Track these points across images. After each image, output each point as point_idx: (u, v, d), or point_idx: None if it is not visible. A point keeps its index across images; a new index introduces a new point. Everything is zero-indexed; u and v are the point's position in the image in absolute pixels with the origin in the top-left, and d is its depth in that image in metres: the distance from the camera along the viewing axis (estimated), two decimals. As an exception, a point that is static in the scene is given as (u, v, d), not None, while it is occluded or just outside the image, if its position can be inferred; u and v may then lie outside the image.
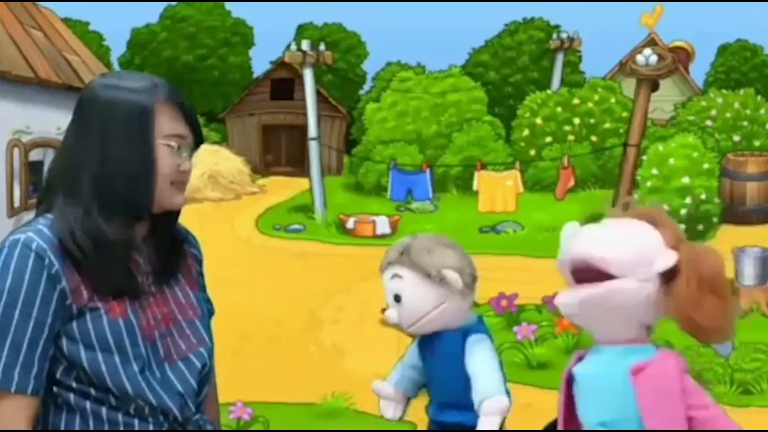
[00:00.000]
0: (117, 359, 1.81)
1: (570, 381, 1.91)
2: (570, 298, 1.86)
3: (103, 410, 1.84)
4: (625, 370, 1.80)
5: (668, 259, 1.83)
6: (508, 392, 2.08)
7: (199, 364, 1.94)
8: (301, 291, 10.25)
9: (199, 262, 2.12)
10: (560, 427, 1.94)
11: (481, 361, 2.01)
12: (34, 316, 1.78)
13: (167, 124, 1.89)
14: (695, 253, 1.84)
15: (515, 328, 8.00)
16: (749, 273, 9.14)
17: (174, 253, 2.00)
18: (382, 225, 13.94)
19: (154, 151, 1.87)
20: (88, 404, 1.83)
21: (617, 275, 1.81)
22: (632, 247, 1.83)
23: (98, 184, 1.85)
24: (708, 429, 1.79)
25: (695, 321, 1.81)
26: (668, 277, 1.83)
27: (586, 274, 1.84)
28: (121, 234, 1.84)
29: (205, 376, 1.97)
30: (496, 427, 1.94)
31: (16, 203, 10.18)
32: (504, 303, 8.62)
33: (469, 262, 2.10)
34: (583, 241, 1.85)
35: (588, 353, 1.92)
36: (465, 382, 2.01)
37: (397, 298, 2.08)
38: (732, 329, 1.85)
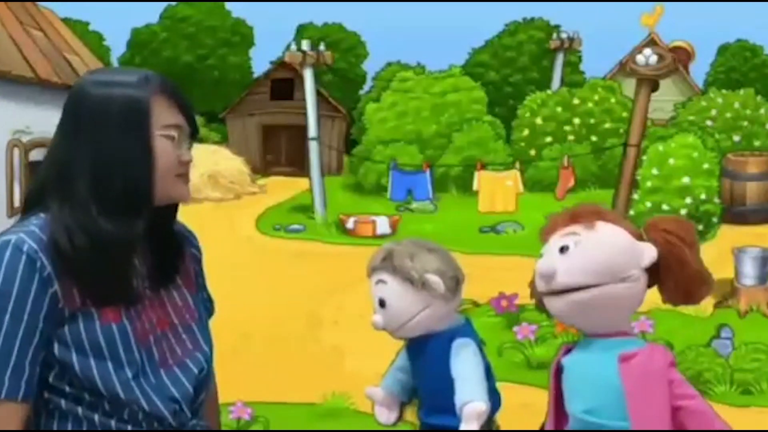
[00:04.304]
0: (109, 365, 1.77)
1: (558, 373, 1.93)
2: (559, 302, 1.87)
3: (96, 416, 1.80)
4: (613, 359, 1.82)
5: (650, 253, 1.86)
6: (497, 393, 2.08)
7: (195, 369, 1.90)
8: (301, 291, 10.25)
9: (198, 261, 2.07)
10: (549, 419, 1.95)
11: (463, 366, 2.01)
12: (26, 320, 1.73)
13: (163, 115, 1.84)
14: (669, 227, 1.89)
15: (515, 328, 8.00)
16: (749, 273, 9.13)
17: (172, 256, 1.95)
18: (382, 225, 13.94)
19: (152, 143, 1.82)
20: (80, 410, 1.80)
21: (603, 284, 1.84)
22: (610, 257, 1.85)
23: (95, 182, 1.79)
24: (697, 417, 1.82)
25: (706, 285, 1.88)
26: (651, 268, 1.87)
27: None
28: (123, 233, 1.79)
29: (203, 381, 1.93)
30: None
31: (16, 203, 10.20)
32: (504, 303, 8.62)
33: (453, 266, 2.09)
34: (559, 275, 1.85)
35: (576, 345, 1.94)
36: (451, 385, 2.00)
37: (382, 303, 2.08)
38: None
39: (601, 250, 1.84)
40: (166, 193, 1.86)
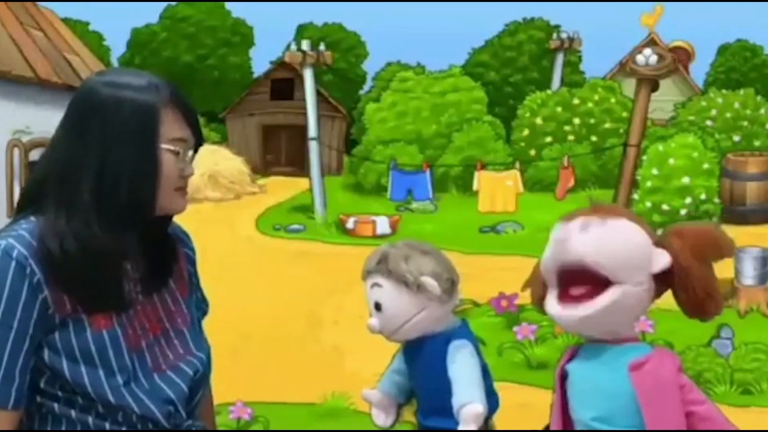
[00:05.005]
0: (100, 371, 1.74)
1: (563, 377, 1.92)
2: (569, 315, 1.85)
3: (90, 419, 1.78)
4: (623, 367, 1.81)
5: (662, 260, 1.84)
6: (495, 394, 2.08)
7: (190, 371, 1.87)
8: (301, 291, 10.25)
9: (192, 261, 2.04)
10: (553, 425, 1.94)
11: (460, 368, 2.01)
12: (15, 327, 1.69)
13: (171, 127, 1.80)
14: (685, 236, 1.86)
15: (515, 328, 8.00)
16: (749, 273, 9.13)
17: (165, 260, 1.91)
18: (382, 225, 13.94)
19: (160, 154, 1.78)
20: (73, 413, 1.77)
21: (613, 281, 1.81)
22: (627, 250, 1.82)
23: (100, 190, 1.74)
24: (708, 423, 1.81)
25: (712, 297, 1.84)
26: (661, 274, 1.84)
27: (577, 277, 1.83)
28: (116, 244, 1.75)
29: (199, 382, 1.91)
30: None
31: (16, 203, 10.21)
32: (504, 303, 8.61)
33: (448, 268, 2.09)
34: (576, 244, 1.83)
35: (580, 349, 1.92)
36: (448, 387, 2.00)
37: (378, 307, 2.08)
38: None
39: (620, 241, 1.82)
40: (164, 205, 1.83)
